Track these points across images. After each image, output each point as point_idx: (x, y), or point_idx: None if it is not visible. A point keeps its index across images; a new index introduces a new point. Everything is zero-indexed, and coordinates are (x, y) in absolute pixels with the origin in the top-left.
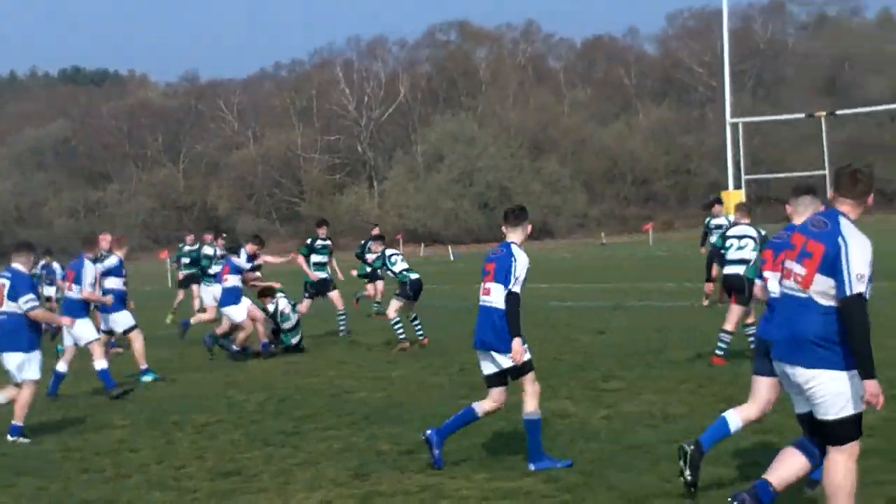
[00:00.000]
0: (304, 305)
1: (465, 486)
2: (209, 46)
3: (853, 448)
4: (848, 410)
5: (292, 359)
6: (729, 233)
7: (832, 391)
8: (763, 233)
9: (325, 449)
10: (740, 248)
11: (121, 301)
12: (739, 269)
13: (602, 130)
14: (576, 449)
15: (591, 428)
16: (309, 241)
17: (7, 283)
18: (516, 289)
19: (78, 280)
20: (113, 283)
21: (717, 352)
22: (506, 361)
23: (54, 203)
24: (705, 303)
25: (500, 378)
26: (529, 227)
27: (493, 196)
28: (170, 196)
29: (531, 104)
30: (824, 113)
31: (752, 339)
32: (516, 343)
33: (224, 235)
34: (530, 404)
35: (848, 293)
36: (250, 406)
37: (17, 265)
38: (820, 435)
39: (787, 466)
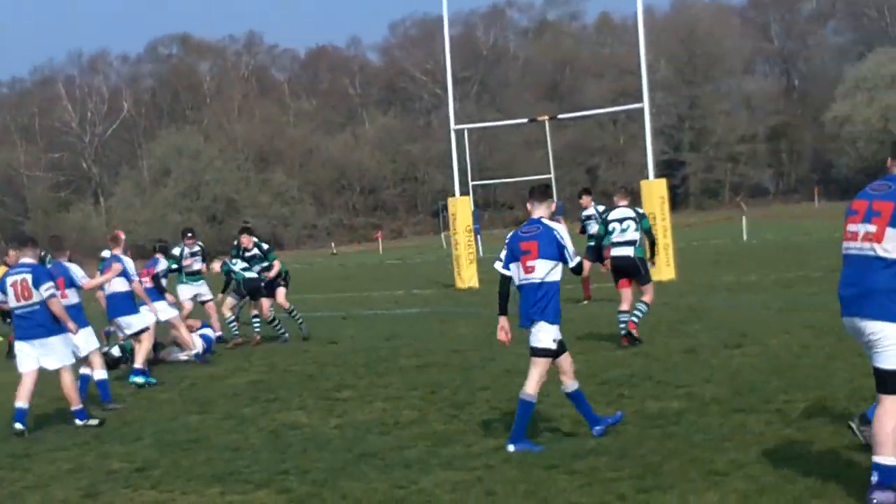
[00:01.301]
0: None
1: (198, 501)
2: None
3: None
4: None
5: (9, 378)
6: (609, 217)
7: (894, 342)
8: (641, 211)
9: (55, 470)
10: (623, 230)
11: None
12: (628, 251)
13: (329, 141)
14: (308, 459)
15: (324, 437)
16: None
17: (29, 275)
18: (578, 259)
19: (69, 285)
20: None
21: (622, 332)
22: (541, 340)
23: None
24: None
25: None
26: (554, 206)
27: (220, 209)
28: None
29: (257, 116)
30: (547, 117)
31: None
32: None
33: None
34: (568, 379)
35: None
36: None
37: (29, 259)
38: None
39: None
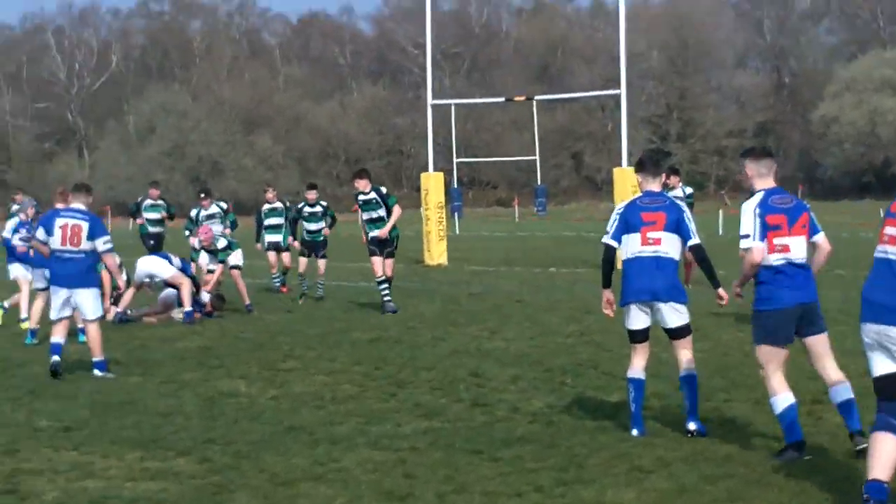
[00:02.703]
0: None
1: (116, 465)
2: None
3: None
4: None
5: None
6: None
7: None
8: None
9: None
10: None
11: None
12: None
13: (316, 108)
14: (237, 430)
15: (258, 408)
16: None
17: (85, 223)
18: (698, 239)
19: None
20: None
21: None
22: (676, 319)
23: None
24: None
25: (648, 332)
26: (664, 179)
27: (204, 170)
28: None
29: (246, 79)
30: (523, 98)
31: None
32: (722, 291)
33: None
34: (691, 362)
35: None
36: None
37: (81, 205)
38: None
39: (886, 454)
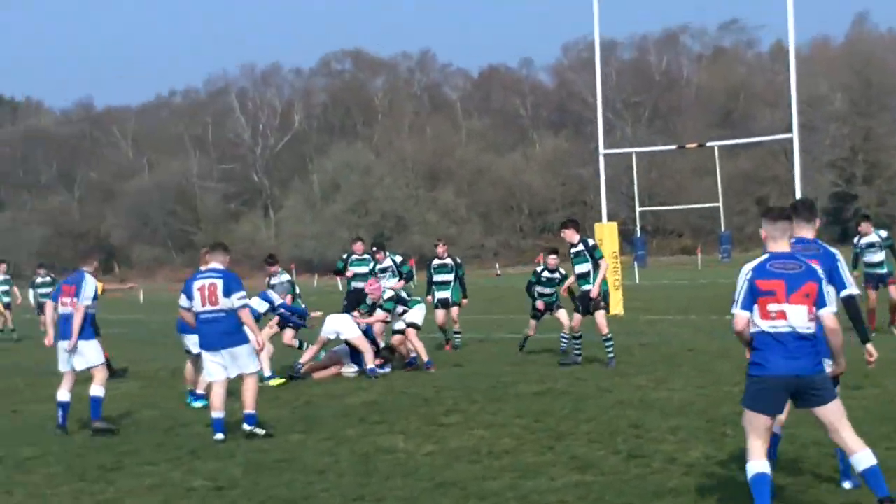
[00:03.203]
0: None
1: None
2: (103, 73)
3: None
4: None
5: (131, 389)
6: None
7: None
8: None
9: (137, 485)
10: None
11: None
12: None
13: (498, 161)
14: (388, 486)
15: (413, 464)
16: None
17: (219, 281)
18: (854, 290)
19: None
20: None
21: None
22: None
23: None
24: None
25: None
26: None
27: (389, 226)
28: (65, 224)
29: (427, 134)
30: (695, 145)
31: None
32: (871, 347)
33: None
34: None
35: None
36: (79, 439)
37: (218, 265)
38: None
39: None
